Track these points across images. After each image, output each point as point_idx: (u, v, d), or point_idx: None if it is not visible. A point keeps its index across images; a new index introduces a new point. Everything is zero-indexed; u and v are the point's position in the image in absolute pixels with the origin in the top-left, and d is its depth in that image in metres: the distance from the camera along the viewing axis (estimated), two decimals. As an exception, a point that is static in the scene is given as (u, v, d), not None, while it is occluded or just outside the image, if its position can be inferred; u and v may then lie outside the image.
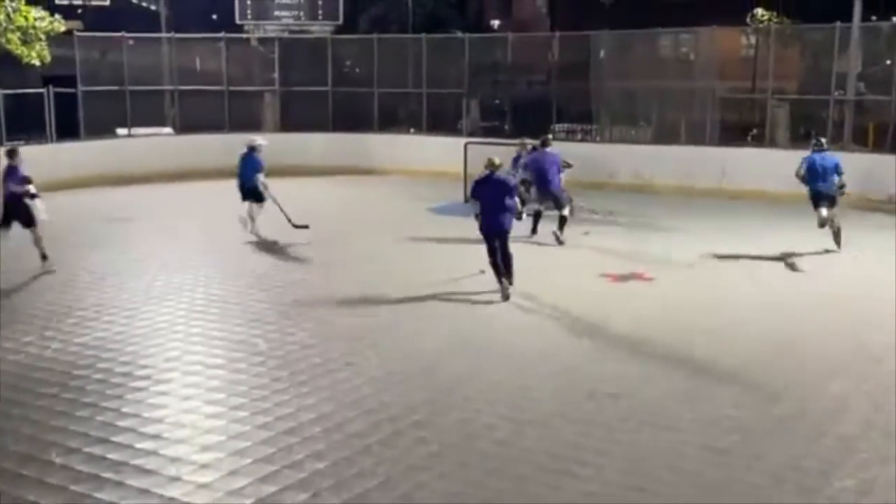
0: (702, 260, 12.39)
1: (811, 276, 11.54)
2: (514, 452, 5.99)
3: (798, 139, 20.15)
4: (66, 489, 5.47)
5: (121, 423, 6.50)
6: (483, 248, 10.31)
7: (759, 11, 25.14)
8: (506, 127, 22.34)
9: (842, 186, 12.42)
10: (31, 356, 8.10)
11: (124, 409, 6.78)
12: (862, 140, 19.48)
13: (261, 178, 13.36)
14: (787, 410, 6.79)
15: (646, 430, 6.38)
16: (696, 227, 14.97)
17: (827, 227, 12.48)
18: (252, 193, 13.53)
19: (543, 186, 13.70)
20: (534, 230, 13.90)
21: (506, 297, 9.95)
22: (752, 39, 23.33)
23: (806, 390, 7.23)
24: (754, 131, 21.00)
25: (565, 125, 22.65)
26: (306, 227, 13.44)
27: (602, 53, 22.10)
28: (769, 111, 19.93)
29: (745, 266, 12.05)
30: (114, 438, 6.22)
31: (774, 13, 24.89)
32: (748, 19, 24.80)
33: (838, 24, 18.59)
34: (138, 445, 6.11)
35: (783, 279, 11.36)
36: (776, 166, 18.11)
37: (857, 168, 15.71)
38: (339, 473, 5.66)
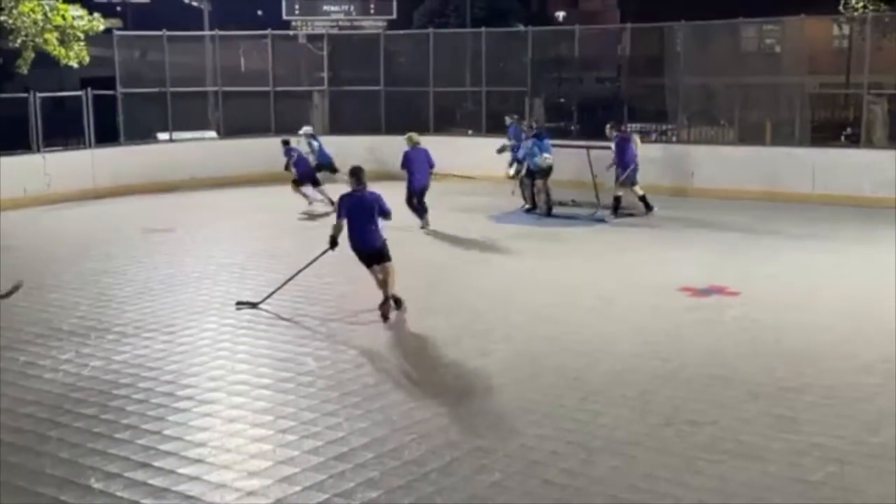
0: (791, 273, 12.16)
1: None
2: (583, 483, 5.92)
3: (899, 137, 19.74)
4: (106, 517, 5.58)
5: (163, 447, 6.58)
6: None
7: (854, -2, 24.58)
8: (573, 128, 22.17)
9: None
10: (70, 375, 8.25)
11: (166, 432, 6.86)
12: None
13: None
14: (887, 440, 6.58)
15: (729, 459, 6.24)
16: (785, 236, 14.71)
17: None
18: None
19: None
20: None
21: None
22: (846, 29, 22.79)
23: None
24: (848, 130, 20.52)
25: (638, 125, 22.35)
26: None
27: (678, 46, 21.81)
28: (865, 108, 19.42)
29: (839, 280, 11.75)
30: (155, 463, 6.30)
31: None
32: (841, 7, 24.24)
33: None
34: (181, 470, 6.18)
35: (884, 297, 10.98)
36: (873, 168, 17.74)
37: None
38: (393, 503, 5.66)
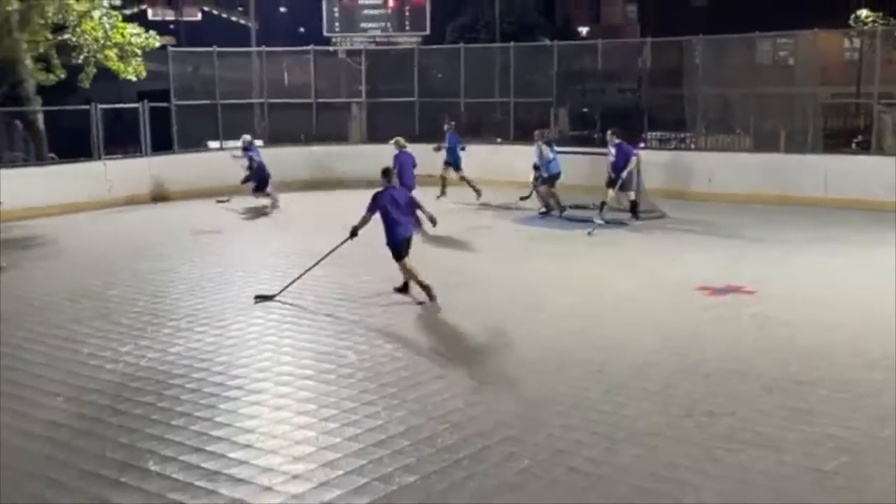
0: (804, 273, 12.03)
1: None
2: (606, 471, 5.90)
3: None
4: (163, 496, 5.62)
5: (214, 433, 6.64)
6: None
7: (864, 12, 24.37)
8: (595, 136, 22.07)
9: None
10: (129, 365, 8.33)
11: (217, 419, 6.92)
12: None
13: None
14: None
15: (747, 449, 6.19)
16: (799, 239, 14.56)
17: None
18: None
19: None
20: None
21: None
22: (857, 42, 22.60)
23: (919, 411, 6.92)
24: (859, 138, 20.30)
25: (658, 133, 22.27)
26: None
27: (696, 59, 21.70)
28: (875, 117, 19.23)
29: (851, 281, 11.61)
30: (208, 447, 6.36)
31: (880, 14, 24.06)
32: (852, 21, 24.04)
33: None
34: (231, 455, 6.23)
35: (893, 296, 10.83)
36: (883, 174, 17.55)
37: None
38: (428, 487, 5.67)
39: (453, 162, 18.98)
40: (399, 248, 10.68)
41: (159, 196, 19.97)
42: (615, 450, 6.23)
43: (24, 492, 5.78)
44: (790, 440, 6.35)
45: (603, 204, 16.12)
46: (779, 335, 9.04)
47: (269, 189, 18.47)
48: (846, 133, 20.90)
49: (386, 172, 11.22)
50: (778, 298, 10.58)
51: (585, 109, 23.64)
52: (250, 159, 18.51)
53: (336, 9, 25.68)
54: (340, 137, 24.43)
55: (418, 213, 11.72)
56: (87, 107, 20.04)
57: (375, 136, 24.14)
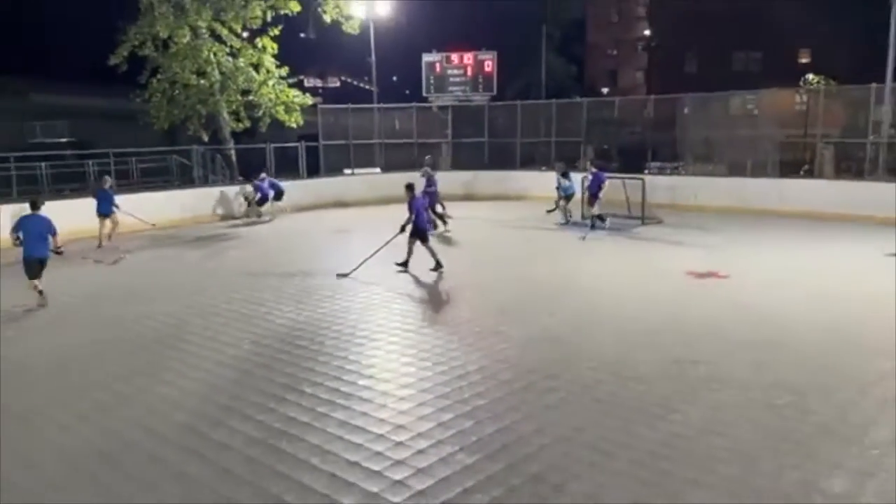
0: (765, 263, 11.62)
1: (855, 276, 10.55)
2: (619, 400, 5.84)
3: (840, 172, 18.98)
4: (314, 410, 5.75)
5: (348, 367, 6.76)
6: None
7: (811, 76, 23.60)
8: (613, 164, 21.83)
9: None
10: (291, 321, 8.53)
11: (350, 358, 7.04)
12: (894, 173, 17.86)
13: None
14: (835, 378, 6.26)
15: (721, 389, 6.05)
16: (761, 239, 14.02)
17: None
18: None
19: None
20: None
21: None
22: (805, 97, 21.79)
23: (850, 364, 6.62)
24: (806, 167, 19.60)
25: (657, 163, 21.91)
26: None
27: (686, 110, 21.30)
28: (818, 151, 18.57)
29: (800, 268, 11.20)
30: (343, 377, 6.49)
31: (822, 77, 23.29)
32: (801, 82, 23.24)
33: (874, 84, 17.31)
34: (360, 382, 6.35)
35: (831, 279, 10.44)
36: (824, 193, 17.20)
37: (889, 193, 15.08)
38: (494, 408, 5.69)
39: None
40: (424, 235, 11.14)
41: (336, 204, 20.42)
42: (626, 386, 6.16)
43: (214, 402, 5.98)
44: (752, 383, 6.17)
45: (594, 218, 15.46)
46: (746, 307, 8.77)
47: (266, 205, 18.19)
48: (796, 163, 20.19)
49: (410, 187, 11.65)
50: (746, 280, 10.26)
51: (606, 146, 23.34)
52: (257, 188, 18.14)
53: (431, 77, 25.73)
54: (434, 166, 24.47)
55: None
56: (263, 145, 20.61)
57: (457, 165, 24.28)
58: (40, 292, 9.31)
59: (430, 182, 15.69)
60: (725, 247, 13.17)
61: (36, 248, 9.14)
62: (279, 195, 18.56)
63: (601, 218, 15.55)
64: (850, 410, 5.55)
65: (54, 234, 9.32)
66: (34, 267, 9.20)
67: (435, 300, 9.47)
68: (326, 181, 21.64)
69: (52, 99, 31.53)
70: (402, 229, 11.19)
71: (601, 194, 15.59)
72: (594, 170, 16.06)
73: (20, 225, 9.25)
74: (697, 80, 31.90)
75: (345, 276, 11.00)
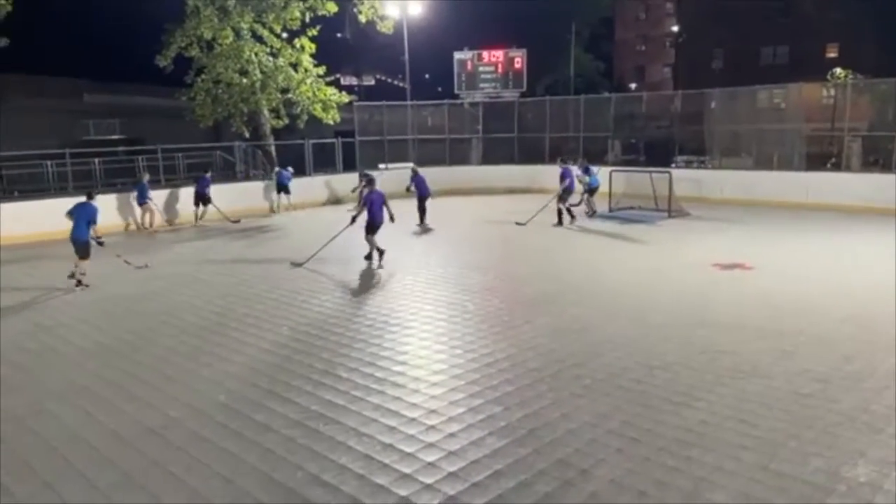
0: (790, 255, 11.37)
1: (881, 269, 10.24)
2: (645, 388, 5.77)
3: (868, 165, 18.45)
4: (348, 393, 5.81)
5: (382, 353, 6.81)
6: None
7: (838, 70, 22.90)
8: (640, 159, 21.56)
9: None
10: (327, 308, 8.64)
11: (384, 345, 7.08)
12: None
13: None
14: (860, 368, 6.11)
15: (745, 378, 5.94)
16: (786, 231, 13.75)
17: None
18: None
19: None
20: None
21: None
22: (832, 91, 21.22)
23: (876, 354, 6.45)
24: (832, 160, 19.09)
25: (684, 157, 21.56)
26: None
27: (713, 104, 20.87)
28: (845, 145, 18.04)
29: (825, 260, 10.94)
30: (378, 363, 6.54)
31: (850, 71, 22.60)
32: (828, 77, 22.59)
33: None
34: (393, 368, 6.38)
35: (856, 271, 10.18)
36: (850, 186, 16.74)
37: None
38: (522, 394, 5.68)
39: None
40: (374, 228, 11.15)
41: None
42: (652, 374, 6.08)
43: (256, 385, 6.08)
44: (777, 372, 6.05)
45: (562, 213, 15.18)
46: (769, 298, 8.59)
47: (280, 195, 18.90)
48: (823, 157, 19.72)
49: (370, 182, 11.72)
50: (770, 272, 10.05)
51: (633, 140, 23.02)
52: (278, 175, 18.97)
53: (462, 74, 25.64)
54: (465, 161, 24.49)
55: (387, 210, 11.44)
56: (302, 141, 20.81)
57: (487, 159, 24.20)
58: (72, 275, 10.05)
59: (417, 178, 16.04)
60: (751, 239, 12.92)
61: (78, 230, 9.95)
62: (285, 189, 18.90)
63: (570, 212, 15.31)
64: (874, 400, 5.40)
65: (94, 223, 10.04)
66: (75, 246, 9.99)
67: (466, 290, 9.45)
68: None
69: (105, 98, 32.25)
70: (353, 221, 11.34)
71: (561, 188, 15.20)
72: (564, 166, 15.68)
73: (74, 210, 10.09)
74: (725, 75, 31.34)
75: (299, 265, 11.18)
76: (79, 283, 10.00)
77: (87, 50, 35.23)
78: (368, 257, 11.39)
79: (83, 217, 9.95)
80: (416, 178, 15.98)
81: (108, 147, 23.99)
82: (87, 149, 21.82)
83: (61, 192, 17.18)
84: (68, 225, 10.03)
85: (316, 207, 19.60)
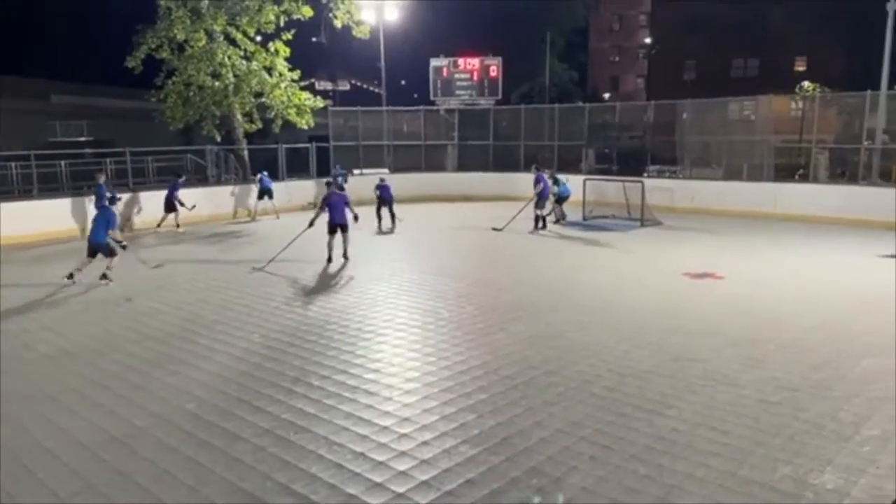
0: (760, 265, 11.57)
1: (848, 278, 10.51)
2: (618, 396, 5.81)
3: (835, 177, 18.90)
4: (321, 402, 5.75)
5: (355, 361, 6.75)
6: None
7: (807, 83, 23.51)
8: (614, 168, 21.79)
9: None
10: (300, 315, 8.56)
11: (357, 352, 7.03)
12: (887, 177, 17.79)
13: None
14: (828, 376, 6.22)
15: (716, 385, 6.01)
16: (756, 241, 13.99)
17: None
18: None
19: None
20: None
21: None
22: (800, 104, 21.73)
23: (843, 363, 6.58)
24: (801, 171, 19.53)
25: (657, 167, 21.85)
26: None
27: (685, 115, 21.20)
28: (812, 156, 18.48)
29: (793, 270, 11.15)
30: (350, 370, 6.48)
31: (817, 84, 23.20)
32: (797, 89, 23.16)
33: (869, 91, 17.21)
34: (366, 376, 6.33)
35: (824, 281, 10.40)
36: (818, 197, 17.14)
37: (886, 198, 15.06)
38: (495, 402, 5.68)
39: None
40: (333, 228, 11.62)
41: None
42: (624, 382, 6.13)
43: (225, 394, 5.98)
44: (747, 380, 6.14)
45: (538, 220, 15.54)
46: (740, 307, 8.73)
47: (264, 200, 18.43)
48: (791, 168, 20.14)
49: (333, 183, 12.25)
50: (741, 281, 10.22)
51: (607, 150, 23.28)
52: (261, 181, 18.47)
53: (438, 81, 25.72)
54: (440, 168, 24.51)
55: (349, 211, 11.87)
56: (275, 146, 20.65)
57: (463, 166, 24.27)
58: (71, 275, 10.29)
59: (384, 187, 16.20)
60: (721, 248, 13.13)
61: (95, 233, 10.47)
62: (269, 194, 18.51)
63: (543, 220, 15.58)
64: (842, 408, 5.51)
65: (112, 228, 10.43)
66: (98, 249, 10.42)
67: (440, 297, 9.43)
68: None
69: (72, 100, 31.67)
70: (311, 224, 11.59)
71: (547, 192, 15.68)
72: (538, 172, 16.01)
73: (98, 212, 10.82)
74: (696, 86, 31.89)
75: (260, 269, 11.26)
76: (104, 276, 10.36)
77: (55, 50, 34.57)
78: (330, 259, 11.58)
79: (101, 222, 10.42)
80: (381, 186, 16.18)
81: (74, 149, 23.53)
82: (52, 151, 21.37)
83: (27, 194, 16.77)
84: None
85: (294, 212, 19.40)
